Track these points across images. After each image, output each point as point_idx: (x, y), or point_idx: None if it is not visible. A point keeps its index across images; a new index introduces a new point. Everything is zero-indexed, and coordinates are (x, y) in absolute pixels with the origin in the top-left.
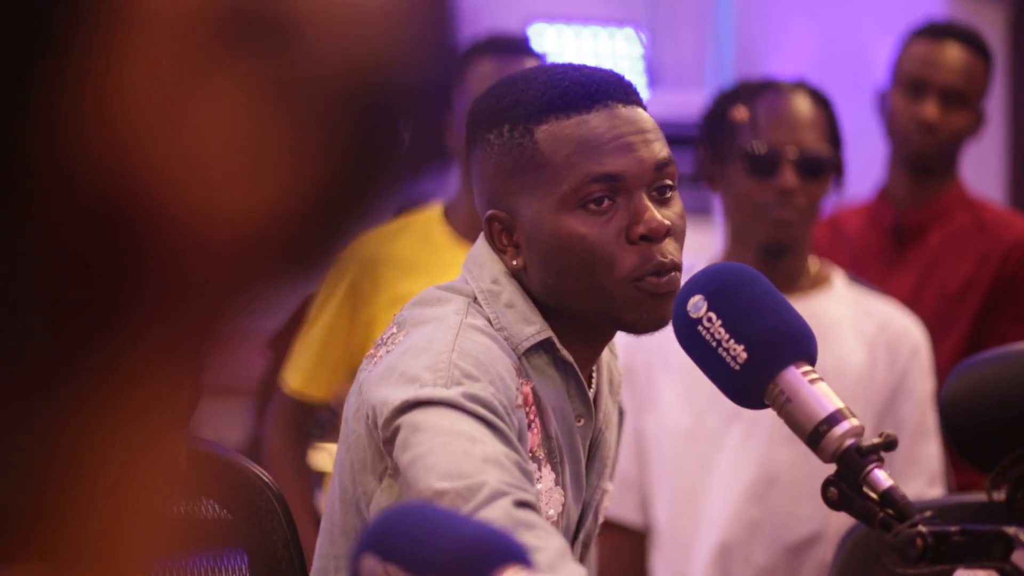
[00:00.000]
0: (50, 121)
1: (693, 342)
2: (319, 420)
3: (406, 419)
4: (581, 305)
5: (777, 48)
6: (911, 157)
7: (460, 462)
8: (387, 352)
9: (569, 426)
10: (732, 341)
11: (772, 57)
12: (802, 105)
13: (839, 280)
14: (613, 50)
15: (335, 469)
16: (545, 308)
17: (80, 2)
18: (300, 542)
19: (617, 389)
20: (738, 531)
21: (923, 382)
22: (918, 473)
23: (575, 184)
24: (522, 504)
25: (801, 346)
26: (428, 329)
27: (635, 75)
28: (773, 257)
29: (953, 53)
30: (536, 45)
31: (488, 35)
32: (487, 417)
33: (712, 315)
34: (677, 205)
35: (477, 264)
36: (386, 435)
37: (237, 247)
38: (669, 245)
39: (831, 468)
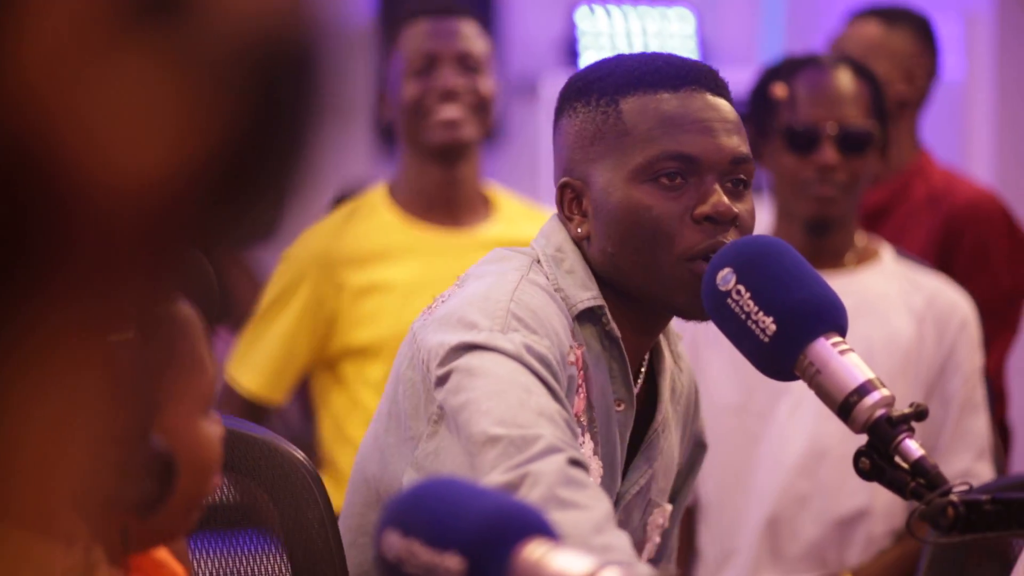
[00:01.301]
0: None
1: (723, 315)
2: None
3: (460, 362)
4: (637, 280)
5: (829, 24)
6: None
7: (516, 411)
8: (443, 303)
9: (607, 406)
10: (761, 313)
11: (824, 33)
12: (843, 80)
13: (887, 255)
14: (663, 29)
15: (373, 421)
16: (601, 282)
17: None
18: (336, 522)
19: (679, 399)
20: (787, 505)
21: (971, 356)
22: (966, 447)
23: (651, 157)
24: (575, 463)
25: (830, 317)
26: (488, 280)
27: (686, 54)
28: (818, 232)
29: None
30: (580, 25)
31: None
32: (540, 372)
33: (741, 287)
34: (749, 202)
35: (543, 235)
36: (439, 374)
37: (136, 203)
38: (733, 234)
39: None
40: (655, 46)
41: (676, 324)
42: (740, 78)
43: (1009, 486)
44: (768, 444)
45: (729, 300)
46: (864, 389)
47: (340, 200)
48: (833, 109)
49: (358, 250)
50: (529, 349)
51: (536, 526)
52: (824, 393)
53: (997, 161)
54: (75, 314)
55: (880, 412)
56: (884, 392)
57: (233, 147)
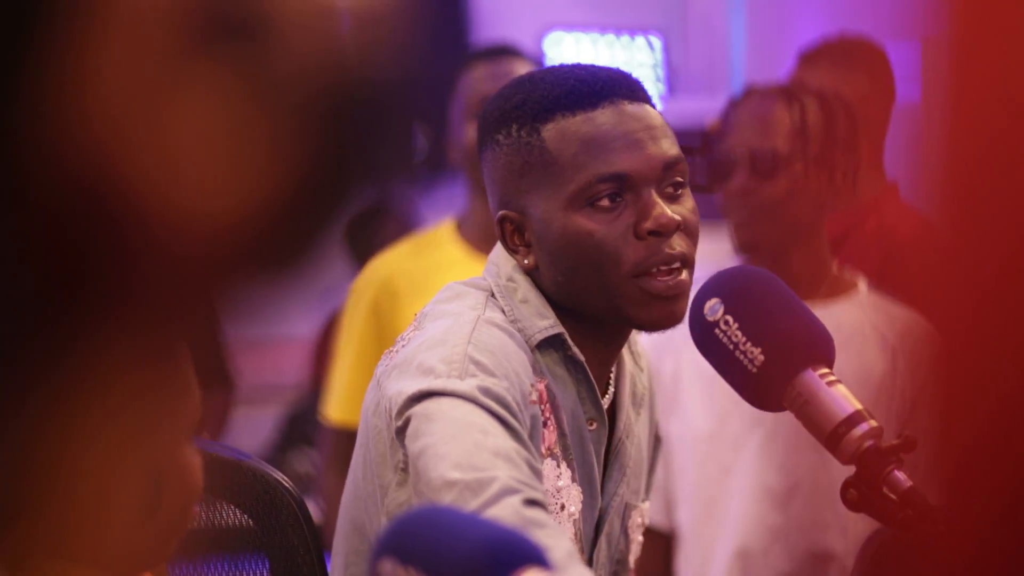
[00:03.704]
0: (30, 117)
1: (710, 345)
2: None
3: (419, 408)
4: (591, 303)
5: (792, 52)
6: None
7: (471, 454)
8: (403, 347)
9: (579, 427)
10: (749, 344)
11: (786, 60)
12: (759, 106)
13: (863, 287)
14: (630, 58)
15: (350, 468)
16: (557, 307)
17: (58, 1)
18: (321, 547)
19: (642, 402)
20: (758, 536)
21: None
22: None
23: (583, 184)
24: (532, 502)
25: (819, 348)
26: (445, 323)
27: (652, 82)
28: (758, 260)
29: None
30: (548, 52)
31: (480, 45)
32: (499, 412)
33: (729, 318)
34: (689, 202)
35: (493, 264)
36: (399, 424)
37: (212, 241)
38: (679, 239)
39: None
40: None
41: (655, 348)
42: (706, 107)
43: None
44: (740, 474)
45: (717, 330)
46: (852, 420)
47: (357, 220)
48: (745, 135)
49: (420, 277)
50: (485, 391)
51: (532, 555)
52: (812, 424)
53: (950, 187)
54: (133, 349)
55: (868, 443)
56: (872, 423)
57: (300, 173)
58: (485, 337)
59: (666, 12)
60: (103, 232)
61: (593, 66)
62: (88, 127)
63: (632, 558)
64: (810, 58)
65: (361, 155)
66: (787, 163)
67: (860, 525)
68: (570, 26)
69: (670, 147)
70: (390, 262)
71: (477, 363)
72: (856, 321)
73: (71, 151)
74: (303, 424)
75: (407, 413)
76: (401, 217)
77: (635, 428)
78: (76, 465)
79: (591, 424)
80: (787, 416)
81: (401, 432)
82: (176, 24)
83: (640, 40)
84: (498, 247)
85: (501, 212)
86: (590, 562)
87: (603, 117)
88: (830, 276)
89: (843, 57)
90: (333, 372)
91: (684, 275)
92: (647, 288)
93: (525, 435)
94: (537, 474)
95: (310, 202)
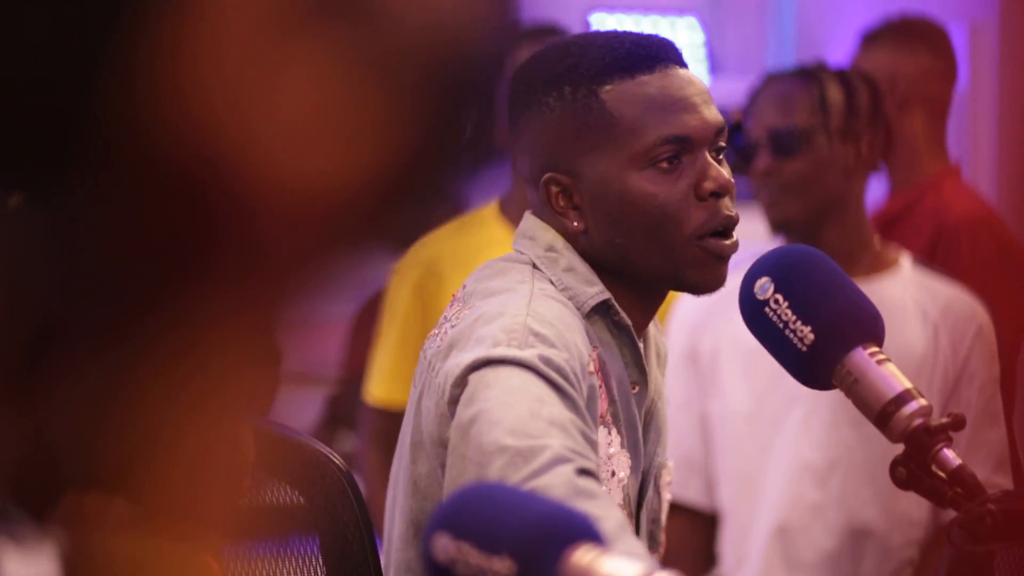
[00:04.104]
0: (127, 89)
1: (760, 324)
2: None
3: (476, 376)
4: (646, 265)
5: (837, 32)
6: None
7: (526, 421)
8: (452, 327)
9: (626, 392)
10: (799, 323)
11: (833, 41)
12: (777, 88)
13: (906, 263)
14: (673, 38)
15: (395, 463)
16: (604, 271)
17: None
18: (372, 524)
19: (663, 362)
20: (798, 514)
21: (987, 366)
22: (983, 459)
23: (647, 145)
24: (584, 472)
25: (869, 327)
26: (500, 298)
27: (696, 63)
28: (794, 238)
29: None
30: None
31: (526, 25)
32: (558, 382)
33: (779, 296)
34: (727, 167)
35: (527, 237)
36: (454, 394)
37: (317, 216)
38: (729, 202)
39: (892, 452)
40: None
41: (689, 334)
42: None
43: None
44: (780, 452)
45: (767, 309)
46: (902, 399)
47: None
48: (765, 117)
49: (465, 257)
50: (546, 360)
51: (586, 531)
52: (862, 402)
53: (1000, 170)
54: (245, 318)
55: (918, 422)
56: (922, 402)
57: (408, 153)
58: (542, 309)
59: None
60: (213, 209)
61: (636, 32)
62: (198, 103)
63: (663, 515)
64: (872, 39)
65: (465, 134)
66: (808, 139)
67: (902, 502)
68: (613, 7)
69: (717, 112)
70: (434, 243)
71: (537, 334)
72: (898, 297)
73: (167, 125)
74: (344, 406)
75: (465, 381)
76: (453, 199)
77: (662, 388)
78: (176, 438)
79: (634, 388)
80: (825, 394)
81: (454, 402)
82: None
83: (683, 21)
84: (527, 222)
85: (549, 175)
86: (636, 523)
87: (662, 80)
88: (871, 251)
89: (905, 36)
90: (376, 352)
91: (736, 238)
92: (709, 248)
93: (582, 406)
94: (592, 445)
95: (415, 179)
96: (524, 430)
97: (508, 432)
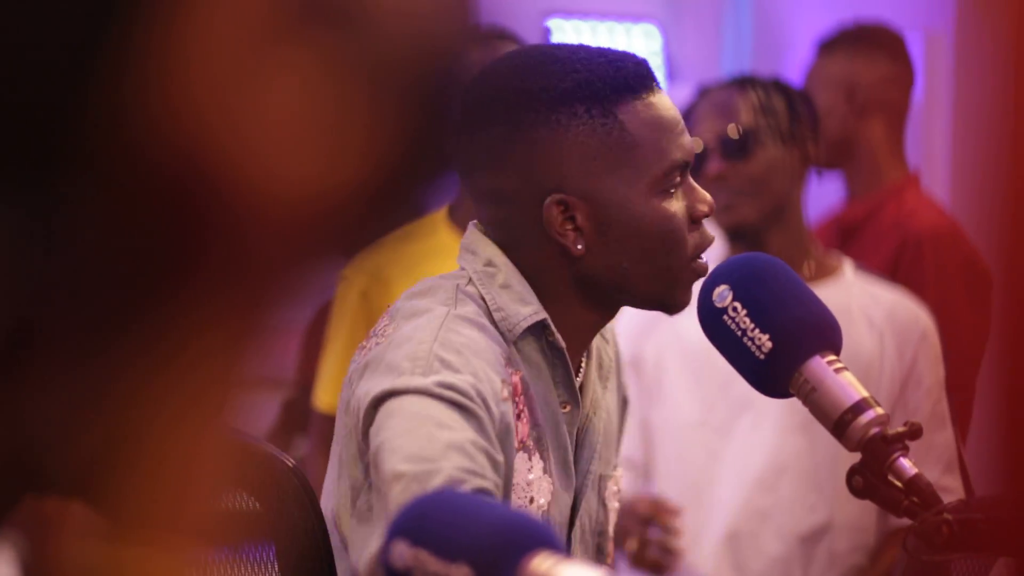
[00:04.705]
0: (113, 93)
1: (718, 331)
2: None
3: (383, 408)
4: (643, 287)
5: (795, 39)
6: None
7: (423, 446)
8: (377, 343)
9: (553, 413)
10: (757, 331)
11: (790, 48)
12: (716, 97)
13: (848, 269)
14: (630, 45)
15: (328, 471)
16: (583, 293)
17: None
18: (327, 532)
19: (607, 374)
20: (747, 520)
21: (933, 369)
22: (933, 461)
23: (667, 168)
24: (480, 492)
25: (827, 336)
26: (416, 322)
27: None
28: (741, 243)
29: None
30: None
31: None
32: (461, 402)
33: (737, 304)
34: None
35: (469, 252)
36: (366, 425)
37: (303, 223)
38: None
39: (839, 457)
40: None
41: (632, 342)
42: None
43: (1000, 503)
44: (729, 459)
45: (725, 317)
46: (859, 407)
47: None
48: (709, 123)
49: (411, 264)
50: (447, 385)
51: (544, 539)
52: (819, 410)
53: (954, 179)
54: (228, 326)
55: (875, 430)
56: (878, 411)
57: (394, 159)
58: (452, 335)
59: (666, 0)
60: (198, 215)
61: (610, 48)
62: (185, 109)
63: (611, 527)
64: (829, 46)
65: (445, 141)
66: (759, 140)
67: (850, 508)
68: (570, 13)
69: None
70: (380, 249)
71: (442, 360)
72: (842, 303)
73: (154, 130)
74: (299, 411)
75: (374, 413)
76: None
77: (602, 401)
78: (163, 443)
79: (565, 407)
80: (773, 400)
81: (366, 434)
82: (270, 6)
83: (640, 27)
84: (471, 236)
85: (555, 196)
86: (568, 542)
87: (661, 101)
88: (813, 257)
89: (863, 43)
90: (323, 359)
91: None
92: (698, 270)
93: (489, 425)
94: (496, 465)
95: (399, 188)
96: (420, 455)
97: (404, 459)
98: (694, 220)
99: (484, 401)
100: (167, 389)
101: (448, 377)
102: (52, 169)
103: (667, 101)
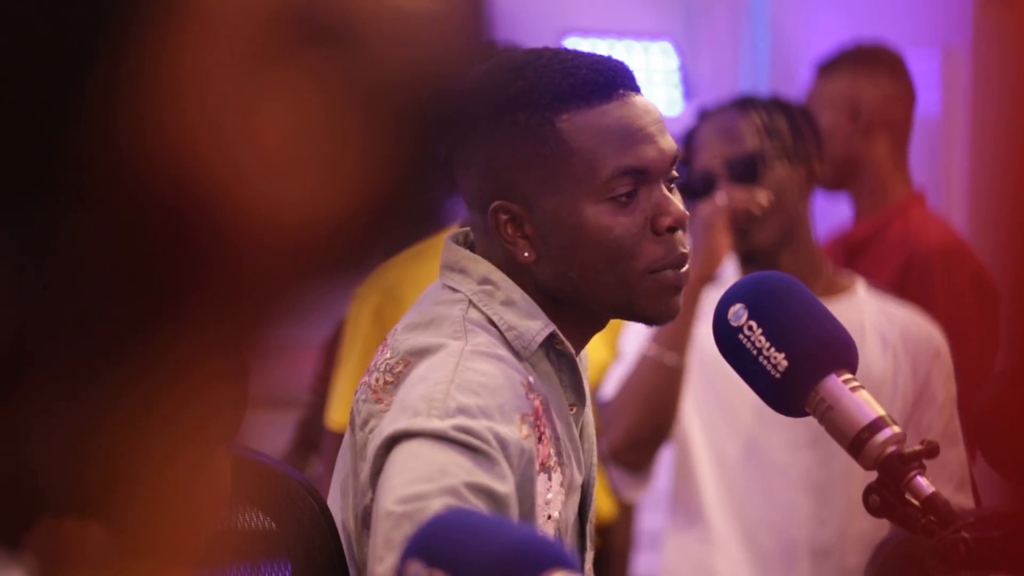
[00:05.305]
0: (108, 117)
1: (733, 350)
2: None
3: (396, 448)
4: (599, 297)
5: (811, 56)
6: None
7: (419, 489)
8: (379, 377)
9: (565, 416)
10: (773, 349)
11: (806, 66)
12: (718, 121)
13: (860, 287)
14: (648, 63)
15: (335, 474)
16: (545, 300)
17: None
18: (343, 551)
19: (585, 365)
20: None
21: (946, 387)
22: (945, 479)
23: (605, 177)
24: None
25: (842, 354)
26: (429, 362)
27: (670, 88)
28: (753, 265)
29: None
30: None
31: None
32: (476, 445)
33: (753, 323)
34: (679, 197)
35: (457, 271)
36: (376, 465)
37: (297, 247)
38: (683, 236)
39: (849, 472)
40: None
41: (639, 342)
42: None
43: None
44: (744, 467)
45: (741, 336)
46: (875, 426)
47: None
48: (717, 148)
49: (425, 287)
50: (464, 429)
51: (559, 559)
52: (835, 429)
53: (972, 194)
54: (225, 349)
55: (891, 449)
56: (895, 429)
57: (389, 181)
58: (470, 375)
59: (684, 17)
60: (192, 238)
61: (592, 54)
62: (179, 133)
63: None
64: (830, 67)
65: (442, 162)
66: (766, 163)
67: (859, 523)
68: (587, 31)
69: (671, 140)
70: (393, 268)
71: (459, 403)
72: (855, 320)
73: (146, 154)
74: (315, 429)
75: (386, 451)
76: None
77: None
78: (154, 467)
79: (572, 408)
80: (773, 418)
81: (376, 473)
82: (265, 29)
83: (657, 45)
84: (453, 253)
85: (497, 203)
86: (582, 538)
87: (620, 109)
88: (824, 276)
89: (862, 62)
90: (337, 378)
91: (688, 267)
92: (663, 281)
93: (505, 465)
94: (501, 505)
95: (392, 213)
96: (414, 496)
97: (398, 500)
98: (656, 232)
99: (501, 442)
100: (169, 412)
101: (464, 421)
102: (47, 196)
103: (632, 109)
